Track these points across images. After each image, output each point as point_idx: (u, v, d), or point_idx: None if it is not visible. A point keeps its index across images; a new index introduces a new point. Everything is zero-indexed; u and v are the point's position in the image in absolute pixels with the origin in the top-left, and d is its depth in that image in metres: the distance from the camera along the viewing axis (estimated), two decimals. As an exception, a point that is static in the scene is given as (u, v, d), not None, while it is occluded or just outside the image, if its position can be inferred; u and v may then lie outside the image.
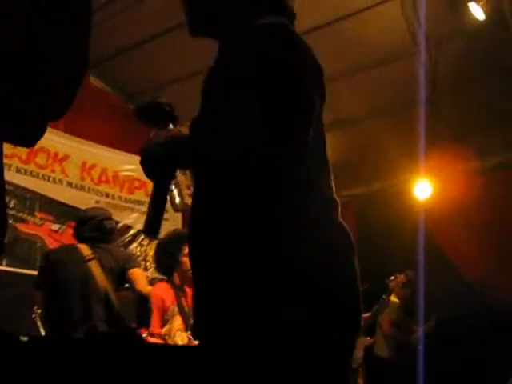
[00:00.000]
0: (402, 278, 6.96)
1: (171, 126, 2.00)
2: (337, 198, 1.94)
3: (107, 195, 6.85)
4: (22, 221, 6.12)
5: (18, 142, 1.70)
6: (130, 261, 4.51)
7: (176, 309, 4.35)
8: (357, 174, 7.80)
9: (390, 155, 7.21)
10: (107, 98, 7.33)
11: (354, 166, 7.65)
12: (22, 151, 6.03)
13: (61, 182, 6.48)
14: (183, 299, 4.41)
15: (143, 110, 2.10)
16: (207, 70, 2.01)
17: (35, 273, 5.63)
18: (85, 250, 4.39)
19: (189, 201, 1.97)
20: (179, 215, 7.15)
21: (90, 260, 4.31)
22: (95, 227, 4.53)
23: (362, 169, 7.72)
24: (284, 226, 1.73)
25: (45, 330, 4.63)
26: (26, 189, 6.22)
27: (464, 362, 6.89)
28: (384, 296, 6.81)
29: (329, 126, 6.68)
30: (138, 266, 4.52)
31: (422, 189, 7.36)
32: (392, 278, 6.96)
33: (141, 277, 4.42)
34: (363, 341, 6.59)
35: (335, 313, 1.72)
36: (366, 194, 8.09)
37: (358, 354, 6.42)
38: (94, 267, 4.28)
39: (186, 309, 4.33)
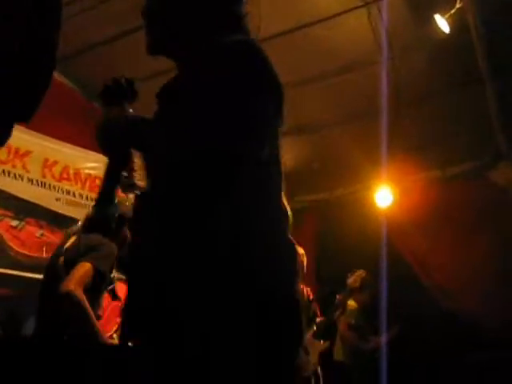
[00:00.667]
0: (360, 273, 6.71)
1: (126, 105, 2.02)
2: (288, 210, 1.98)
3: (68, 192, 6.79)
4: (-19, 216, 6.07)
5: None
6: (88, 252, 3.90)
7: None
8: (318, 180, 7.90)
9: (352, 162, 7.30)
10: (71, 96, 7.27)
11: (315, 172, 7.79)
12: (-18, 146, 5.95)
13: (21, 177, 6.40)
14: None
15: (107, 90, 2.10)
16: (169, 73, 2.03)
17: (-5, 268, 5.57)
18: (69, 242, 4.09)
19: (141, 183, 1.96)
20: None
21: (62, 254, 4.10)
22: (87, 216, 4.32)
23: (324, 175, 7.79)
24: (232, 232, 1.74)
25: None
26: (-16, 184, 6.16)
27: (423, 367, 7.03)
28: (338, 295, 6.55)
29: (291, 132, 6.77)
30: (91, 260, 3.82)
31: (383, 196, 7.41)
32: (349, 274, 6.71)
33: (77, 272, 3.77)
34: (317, 345, 6.31)
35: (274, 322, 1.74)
36: (327, 200, 8.16)
37: (313, 359, 6.14)
38: (60, 261, 4.07)
39: None
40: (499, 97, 6.41)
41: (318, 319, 6.34)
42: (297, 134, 7.44)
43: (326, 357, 6.71)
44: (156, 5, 2.08)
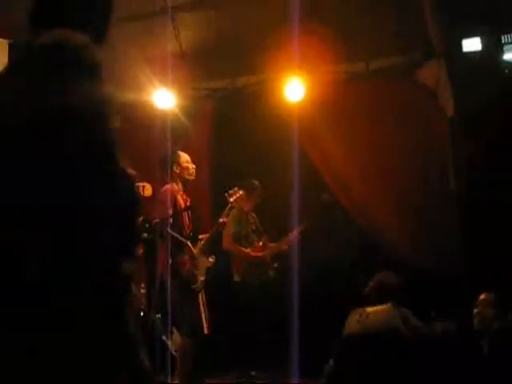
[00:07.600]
0: (241, 195, 6.32)
1: None
2: None
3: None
4: None
5: None
6: None
7: None
8: (219, 64, 7.03)
9: (260, 47, 6.45)
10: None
11: (216, 56, 6.93)
12: None
13: None
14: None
15: None
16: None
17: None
18: None
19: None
20: None
21: None
22: None
23: (226, 60, 6.91)
24: None
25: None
26: None
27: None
28: (220, 220, 6.14)
29: (191, 6, 5.86)
30: None
31: (294, 89, 6.64)
32: (231, 192, 6.25)
33: None
34: (204, 262, 6.08)
35: None
36: (227, 88, 7.35)
37: (200, 277, 6.01)
38: None
39: None
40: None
41: (201, 236, 6.13)
42: (197, 9, 6.85)
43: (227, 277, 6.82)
44: None
